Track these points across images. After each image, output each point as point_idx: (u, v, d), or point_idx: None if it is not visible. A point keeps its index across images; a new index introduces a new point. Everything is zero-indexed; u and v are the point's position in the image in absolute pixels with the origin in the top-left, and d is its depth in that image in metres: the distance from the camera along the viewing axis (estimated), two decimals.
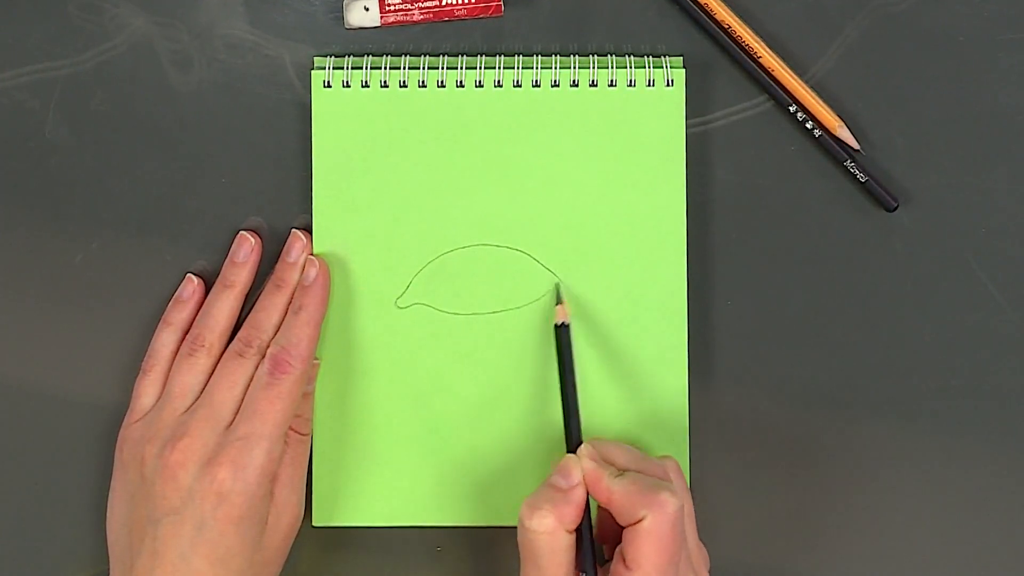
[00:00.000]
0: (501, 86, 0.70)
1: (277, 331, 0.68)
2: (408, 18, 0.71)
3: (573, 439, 0.65)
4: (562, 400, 0.66)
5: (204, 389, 0.67)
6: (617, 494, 0.62)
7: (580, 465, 0.64)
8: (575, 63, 0.70)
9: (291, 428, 0.68)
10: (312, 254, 0.70)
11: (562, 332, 0.68)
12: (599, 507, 0.64)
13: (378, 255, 0.70)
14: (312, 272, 0.69)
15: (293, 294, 0.69)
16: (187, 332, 0.69)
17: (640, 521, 0.61)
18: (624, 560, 0.61)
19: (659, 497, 0.61)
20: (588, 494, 0.63)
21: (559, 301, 0.69)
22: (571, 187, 0.70)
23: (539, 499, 0.63)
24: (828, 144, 0.70)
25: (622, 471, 0.64)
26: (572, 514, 0.63)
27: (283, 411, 0.66)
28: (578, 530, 0.63)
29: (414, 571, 0.71)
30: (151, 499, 0.65)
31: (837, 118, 0.70)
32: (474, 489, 0.70)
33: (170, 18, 0.71)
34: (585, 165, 0.70)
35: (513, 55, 0.70)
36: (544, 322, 0.70)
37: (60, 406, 0.71)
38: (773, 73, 0.71)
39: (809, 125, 0.70)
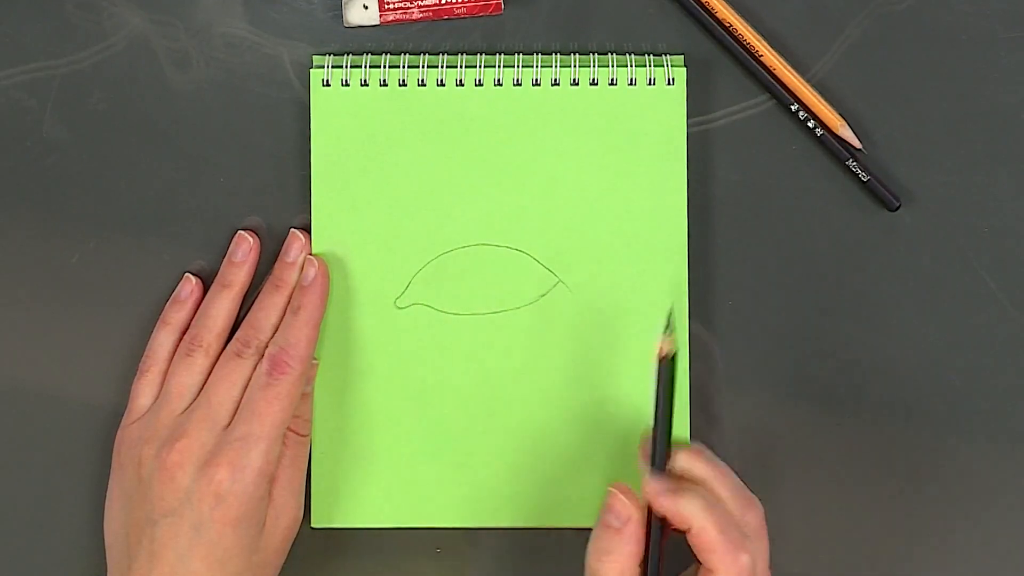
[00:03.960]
0: (501, 85, 0.70)
1: (276, 331, 0.68)
2: (407, 16, 0.71)
3: (659, 460, 0.64)
4: (655, 418, 0.64)
5: (202, 389, 0.67)
6: (695, 528, 0.61)
7: (628, 503, 0.62)
8: (575, 62, 0.70)
9: (290, 429, 0.67)
10: (311, 254, 0.69)
11: (665, 367, 0.64)
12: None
13: (377, 255, 0.70)
14: (311, 272, 0.68)
15: (292, 294, 0.69)
16: (185, 332, 0.69)
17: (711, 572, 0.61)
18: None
19: (739, 558, 0.61)
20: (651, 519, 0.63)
21: (670, 329, 0.64)
22: (571, 186, 0.70)
23: (603, 542, 0.62)
24: (830, 143, 0.70)
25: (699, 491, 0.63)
26: (635, 550, 0.62)
27: (282, 412, 0.66)
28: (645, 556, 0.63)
29: (414, 573, 0.70)
30: (149, 500, 0.65)
31: (839, 117, 0.70)
32: (474, 490, 0.70)
33: (168, 16, 0.71)
34: (585, 164, 0.70)
35: (513, 53, 0.70)
36: (544, 322, 0.69)
37: (57, 407, 0.70)
38: (775, 72, 0.70)
39: (811, 124, 0.70)
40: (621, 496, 0.63)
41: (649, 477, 0.63)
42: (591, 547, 0.63)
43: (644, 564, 0.63)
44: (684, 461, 0.64)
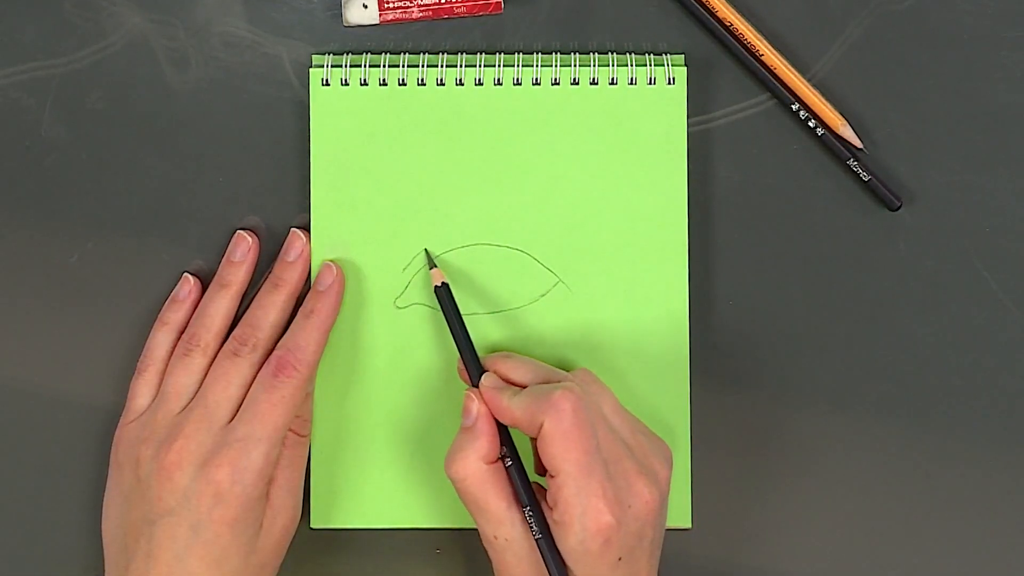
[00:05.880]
0: (501, 84, 0.69)
1: (273, 330, 0.68)
2: (407, 15, 0.70)
3: (474, 374, 0.66)
4: (455, 341, 0.66)
5: (199, 389, 0.67)
6: (516, 410, 0.63)
7: (476, 399, 0.64)
8: (575, 61, 0.70)
9: (290, 429, 0.67)
10: (311, 254, 0.69)
11: (443, 292, 0.67)
12: (532, 440, 0.64)
13: (377, 255, 0.69)
14: (328, 278, 0.68)
15: (291, 294, 0.69)
16: (183, 332, 0.69)
17: (542, 428, 0.62)
18: (548, 472, 0.62)
19: (551, 399, 0.62)
20: (501, 425, 0.64)
21: (432, 266, 0.68)
22: (572, 186, 0.69)
23: (452, 449, 0.64)
24: (831, 143, 0.70)
25: (522, 388, 0.64)
26: (485, 446, 0.63)
27: (284, 415, 0.65)
28: (507, 467, 0.64)
29: (414, 573, 0.70)
30: (147, 500, 0.64)
31: (840, 116, 0.70)
32: None
33: (167, 16, 0.71)
34: (586, 164, 0.69)
35: (513, 53, 0.70)
36: (544, 322, 0.69)
37: (55, 406, 0.70)
38: (775, 71, 0.70)
39: (812, 124, 0.70)
40: (470, 394, 0.65)
41: (483, 379, 0.65)
42: (446, 459, 0.64)
43: (517, 493, 0.63)
44: (493, 364, 0.66)
